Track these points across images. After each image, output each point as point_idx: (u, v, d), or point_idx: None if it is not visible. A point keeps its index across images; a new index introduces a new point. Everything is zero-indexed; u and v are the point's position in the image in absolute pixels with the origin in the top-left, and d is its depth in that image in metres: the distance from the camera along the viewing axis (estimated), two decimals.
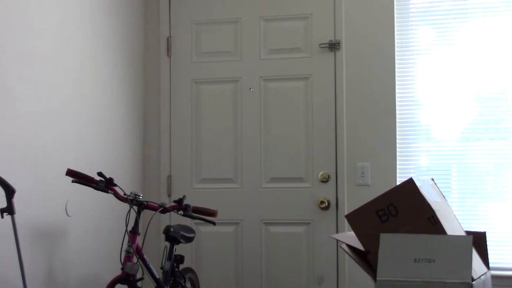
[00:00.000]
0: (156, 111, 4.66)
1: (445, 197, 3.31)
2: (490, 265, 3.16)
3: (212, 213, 3.59)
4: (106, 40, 4.16)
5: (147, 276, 3.55)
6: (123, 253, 3.26)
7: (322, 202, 4.35)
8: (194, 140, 4.60)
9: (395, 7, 4.36)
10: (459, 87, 4.28)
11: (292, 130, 4.45)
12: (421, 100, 4.33)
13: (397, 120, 4.32)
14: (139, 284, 3.29)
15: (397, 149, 4.31)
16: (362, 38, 4.39)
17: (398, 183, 4.16)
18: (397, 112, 4.32)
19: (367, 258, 2.98)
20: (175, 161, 4.61)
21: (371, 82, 4.36)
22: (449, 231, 2.87)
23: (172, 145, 4.62)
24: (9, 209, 2.92)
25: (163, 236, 3.71)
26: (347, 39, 4.40)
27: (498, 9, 4.24)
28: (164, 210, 3.46)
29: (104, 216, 4.06)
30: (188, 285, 3.87)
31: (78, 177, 3.29)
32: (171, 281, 3.62)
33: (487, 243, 3.15)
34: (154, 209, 3.44)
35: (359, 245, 3.05)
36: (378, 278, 2.75)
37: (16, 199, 2.95)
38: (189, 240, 3.78)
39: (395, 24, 4.35)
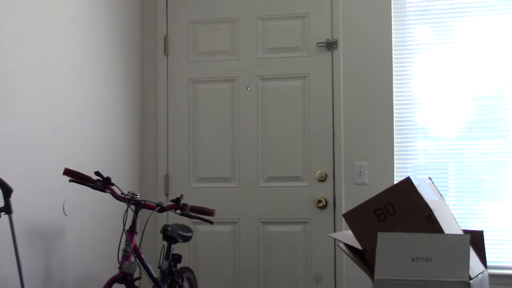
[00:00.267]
0: (154, 110, 4.66)
1: (443, 196, 3.32)
2: (488, 264, 3.17)
3: (210, 212, 3.60)
4: (103, 39, 4.16)
5: (144, 276, 3.55)
6: (121, 252, 3.26)
7: (319, 201, 4.36)
8: (191, 139, 4.60)
9: (392, 6, 4.36)
10: (456, 86, 4.28)
11: (289, 129, 4.46)
12: (419, 99, 4.34)
13: (394, 119, 4.32)
14: (136, 283, 3.29)
15: (395, 148, 4.32)
16: (360, 37, 4.39)
17: (395, 182, 4.17)
18: (394, 111, 4.33)
19: (364, 257, 2.99)
20: (173, 160, 4.62)
21: (368, 81, 4.36)
22: (447, 230, 2.87)
23: (169, 144, 4.63)
24: (7, 209, 2.92)
25: (160, 235, 3.71)
26: (345, 38, 4.41)
27: (495, 8, 4.25)
28: (162, 209, 3.46)
29: (102, 216, 4.06)
30: (186, 284, 3.87)
31: (76, 176, 3.29)
32: (169, 281, 3.62)
33: (485, 242, 3.16)
34: (151, 208, 3.44)
35: (356, 244, 3.05)
36: (375, 277, 2.76)
37: (13, 199, 2.95)
38: (186, 239, 3.78)
39: (392, 23, 4.36)
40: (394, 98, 4.33)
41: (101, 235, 4.06)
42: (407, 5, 4.39)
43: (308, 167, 4.42)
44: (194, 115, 4.60)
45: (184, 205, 3.50)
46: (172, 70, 4.65)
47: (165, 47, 4.66)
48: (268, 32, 4.53)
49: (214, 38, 4.61)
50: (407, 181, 2.95)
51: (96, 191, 3.36)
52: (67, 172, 3.29)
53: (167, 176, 4.62)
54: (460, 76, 4.28)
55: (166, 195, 4.61)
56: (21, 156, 3.27)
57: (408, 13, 4.39)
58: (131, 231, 3.30)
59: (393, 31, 4.36)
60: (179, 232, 3.71)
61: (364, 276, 3.04)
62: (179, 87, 4.63)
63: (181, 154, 4.60)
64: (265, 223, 4.48)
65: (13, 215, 2.95)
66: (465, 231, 3.15)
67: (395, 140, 4.32)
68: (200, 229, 4.53)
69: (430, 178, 3.34)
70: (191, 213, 3.52)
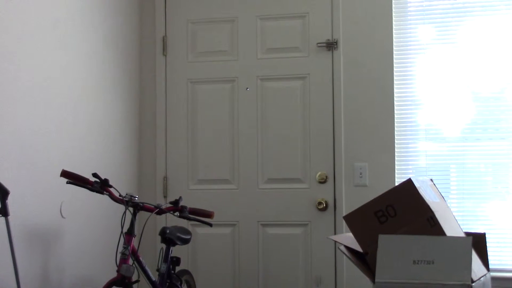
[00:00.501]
0: (152, 111, 4.66)
1: (444, 198, 3.32)
2: (490, 266, 3.17)
3: (209, 215, 3.59)
4: (101, 39, 4.15)
5: (143, 279, 3.54)
6: (119, 255, 3.26)
7: (319, 203, 4.36)
8: (190, 141, 4.60)
9: (393, 5, 4.36)
10: (458, 87, 4.28)
11: (289, 130, 4.46)
12: (420, 100, 4.34)
13: (395, 120, 4.32)
14: (134, 286, 3.29)
15: (396, 149, 4.32)
16: (360, 37, 4.39)
17: (396, 184, 4.17)
18: (395, 111, 4.33)
19: (365, 260, 2.99)
20: (171, 162, 4.61)
21: (369, 82, 4.36)
22: (448, 232, 2.87)
23: (168, 145, 4.62)
24: (3, 211, 2.92)
25: (159, 238, 3.71)
26: (345, 38, 4.41)
27: (497, 8, 4.25)
28: (160, 211, 3.46)
29: (99, 218, 4.05)
30: (185, 287, 3.87)
31: (73, 178, 3.28)
32: (167, 284, 3.62)
33: (487, 244, 3.16)
34: (150, 210, 3.44)
35: (357, 247, 3.05)
36: (376, 280, 2.75)
37: (10, 201, 2.95)
38: (185, 241, 3.78)
39: (393, 23, 4.36)
40: (395, 98, 4.33)
41: (99, 237, 4.05)
42: (408, 4, 4.39)
43: (308, 168, 4.41)
44: (193, 116, 4.60)
45: (183, 207, 3.50)
46: (171, 70, 4.65)
47: (163, 47, 4.66)
48: (267, 32, 4.53)
49: (213, 38, 4.61)
50: (408, 183, 2.95)
51: (94, 193, 3.36)
52: (65, 173, 3.28)
53: (165, 178, 4.62)
54: (462, 76, 4.28)
55: (165, 197, 4.60)
56: (18, 158, 3.27)
57: (409, 13, 4.39)
58: (129, 234, 3.30)
59: (394, 31, 4.36)
60: (178, 234, 3.70)
61: (365, 279, 3.04)
62: (177, 87, 4.63)
63: (180, 156, 4.60)
64: (264, 225, 4.48)
65: (10, 217, 2.94)
66: (467, 233, 3.15)
67: (396, 141, 4.32)
68: (199, 231, 4.53)
69: (431, 179, 3.34)
70: (190, 215, 3.51)
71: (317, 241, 4.37)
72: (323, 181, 4.38)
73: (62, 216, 3.67)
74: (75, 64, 3.85)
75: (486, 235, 3.18)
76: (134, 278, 3.27)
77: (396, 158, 4.31)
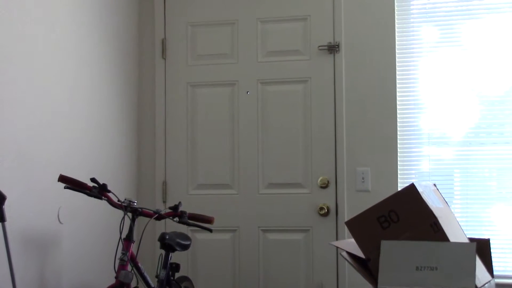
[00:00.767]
0: (151, 115, 4.66)
1: (448, 203, 3.32)
2: (494, 273, 3.17)
3: (209, 220, 3.60)
4: (99, 42, 4.16)
5: (141, 285, 3.55)
6: (117, 261, 3.26)
7: (321, 208, 4.36)
8: (190, 145, 4.60)
9: (395, 7, 4.37)
10: (462, 90, 4.29)
11: (290, 135, 4.46)
12: (423, 103, 4.34)
13: (398, 123, 4.33)
14: None
15: (398, 154, 4.32)
16: (362, 40, 4.40)
17: (399, 189, 4.17)
18: (398, 115, 4.33)
19: (368, 266, 2.99)
20: (171, 167, 4.62)
21: (371, 85, 4.36)
22: (452, 238, 2.87)
23: (167, 150, 4.63)
24: (0, 216, 2.92)
25: (158, 244, 3.71)
26: (347, 41, 4.41)
27: (502, 10, 4.26)
28: (159, 217, 3.46)
29: (98, 223, 4.05)
30: None
31: (71, 183, 3.29)
32: None
33: (491, 250, 3.16)
34: (149, 215, 3.44)
35: (359, 253, 3.05)
36: (379, 286, 2.76)
37: (7, 206, 2.95)
38: (185, 247, 3.78)
39: (396, 25, 4.37)
40: (397, 102, 4.34)
41: (97, 243, 4.05)
42: (411, 6, 4.40)
43: (309, 173, 4.42)
44: (193, 120, 4.61)
45: (182, 212, 3.50)
46: (170, 73, 4.65)
47: (163, 50, 4.67)
48: (268, 35, 4.54)
49: (213, 41, 4.61)
50: (411, 188, 2.95)
51: (92, 198, 3.36)
52: (62, 178, 3.29)
53: (165, 183, 4.62)
54: (466, 79, 4.28)
55: (164, 202, 4.60)
56: (14, 162, 3.27)
57: (412, 15, 4.39)
58: (128, 239, 3.30)
59: (396, 33, 4.36)
60: (177, 240, 3.70)
61: (367, 286, 3.04)
62: (177, 91, 4.63)
63: (179, 160, 4.60)
64: (265, 231, 4.48)
65: (7, 223, 2.94)
66: (471, 239, 3.15)
67: (399, 145, 4.32)
68: (198, 237, 4.53)
69: (434, 184, 3.34)
70: (190, 221, 3.52)
71: (319, 247, 4.37)
72: (324, 186, 4.38)
73: (60, 222, 3.67)
74: (73, 67, 3.86)
75: (491, 241, 3.18)
76: (133, 284, 3.27)
77: (398, 163, 4.31)
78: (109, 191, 3.32)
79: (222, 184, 4.55)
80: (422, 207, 2.90)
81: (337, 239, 4.31)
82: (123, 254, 3.26)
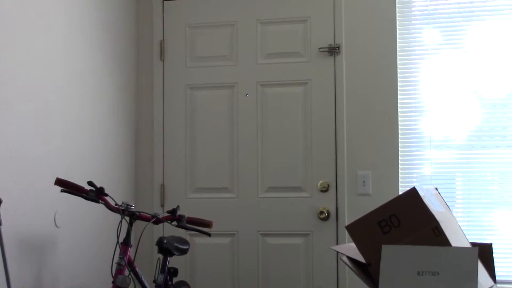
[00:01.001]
0: (149, 118, 4.66)
1: (450, 207, 3.32)
2: (497, 278, 3.17)
3: (207, 224, 3.59)
4: (96, 43, 4.16)
5: None
6: (114, 266, 3.25)
7: (321, 212, 4.36)
8: (188, 148, 4.60)
9: (397, 9, 4.37)
10: (464, 93, 4.29)
11: (290, 138, 4.46)
12: (425, 106, 4.34)
13: (399, 127, 4.33)
14: None
15: (399, 157, 4.32)
16: (363, 42, 4.40)
17: (400, 193, 4.16)
18: (399, 118, 4.33)
19: (368, 271, 2.98)
20: (169, 170, 4.61)
21: (372, 88, 4.36)
22: (454, 243, 2.87)
23: (165, 153, 4.63)
24: None
25: (156, 248, 3.71)
26: (347, 43, 4.42)
27: (504, 12, 4.26)
28: (157, 220, 3.45)
29: (95, 227, 4.05)
30: None
31: (68, 187, 3.28)
32: None
33: (494, 255, 3.16)
34: (146, 219, 3.43)
35: (360, 257, 3.05)
36: None
37: (2, 209, 2.95)
38: (183, 252, 3.78)
39: (397, 27, 4.37)
40: (399, 105, 4.34)
41: (94, 247, 4.05)
42: (413, 8, 4.40)
43: (309, 177, 4.41)
44: (191, 123, 4.61)
45: (181, 216, 3.49)
46: (169, 76, 4.65)
47: (161, 52, 4.67)
48: (268, 36, 4.54)
49: (212, 42, 4.61)
50: (413, 192, 2.94)
51: (89, 201, 3.36)
52: (59, 181, 3.28)
53: (163, 186, 4.62)
54: (468, 82, 4.28)
55: (162, 206, 4.60)
56: (10, 165, 3.27)
57: (413, 17, 4.40)
58: (125, 244, 3.30)
59: (398, 36, 4.36)
60: (175, 244, 3.70)
61: None
62: (175, 93, 4.63)
63: (177, 164, 4.60)
64: (264, 235, 4.47)
65: (2, 227, 2.94)
66: (473, 244, 3.15)
67: (400, 149, 4.32)
68: (197, 241, 4.53)
69: (436, 188, 3.33)
70: (188, 225, 3.51)
71: (319, 251, 4.37)
72: (325, 189, 4.38)
73: (56, 226, 3.67)
74: (69, 69, 3.85)
75: (493, 246, 3.18)
76: None
77: (400, 166, 4.31)
78: (106, 195, 3.32)
79: (221, 188, 4.55)
80: (424, 211, 2.89)
81: (337, 244, 4.31)
82: (120, 258, 3.25)
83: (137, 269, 3.49)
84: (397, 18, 4.37)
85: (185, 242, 3.85)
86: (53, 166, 3.63)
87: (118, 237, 3.28)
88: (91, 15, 4.09)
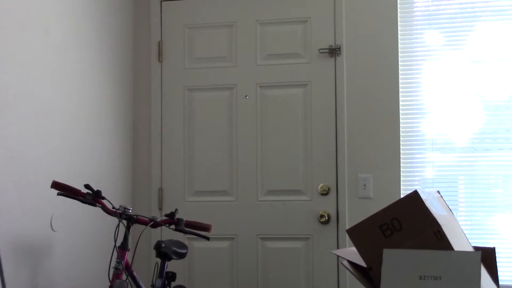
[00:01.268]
0: (147, 120, 4.66)
1: (452, 211, 3.32)
2: (500, 282, 3.16)
3: (206, 228, 3.59)
4: (93, 45, 4.16)
5: None
6: (112, 270, 3.25)
7: (322, 216, 4.35)
8: (186, 151, 4.60)
9: (398, 10, 4.37)
10: (466, 94, 4.29)
11: (290, 140, 4.46)
12: (426, 108, 4.34)
13: (400, 129, 4.33)
14: None
15: (401, 160, 4.32)
16: (364, 43, 4.40)
17: (402, 196, 4.16)
18: (400, 121, 4.33)
19: (369, 275, 2.98)
20: (167, 173, 4.61)
21: (373, 89, 4.36)
22: (456, 247, 2.87)
23: (163, 156, 4.62)
24: None
25: (153, 252, 3.70)
26: (348, 44, 4.42)
27: (507, 13, 4.26)
28: (155, 224, 3.45)
29: (92, 231, 4.05)
30: None
31: (64, 190, 3.28)
32: None
33: (497, 259, 3.16)
34: (144, 223, 3.43)
35: (361, 261, 3.05)
36: None
37: None
38: (181, 256, 3.77)
39: (399, 28, 4.37)
40: (400, 107, 4.34)
41: (91, 251, 4.04)
42: (415, 9, 4.40)
43: (309, 180, 4.41)
44: (190, 125, 4.61)
45: (179, 220, 3.49)
46: (167, 77, 4.65)
47: (159, 53, 4.67)
48: (267, 37, 4.54)
49: (211, 43, 4.62)
50: (414, 195, 2.94)
51: (86, 205, 3.36)
52: (55, 185, 3.28)
53: (161, 189, 4.61)
54: (470, 83, 4.28)
55: (160, 209, 4.60)
56: (5, 168, 3.27)
57: (415, 18, 4.40)
58: (123, 248, 3.29)
59: (399, 37, 4.37)
60: (174, 248, 3.70)
61: None
62: (173, 95, 4.63)
63: (175, 166, 4.60)
64: (264, 239, 4.47)
65: None
66: (476, 248, 3.14)
67: (401, 151, 4.32)
68: (195, 245, 4.52)
69: (438, 191, 3.33)
70: (186, 229, 3.51)
71: (319, 255, 4.36)
72: (325, 193, 4.38)
73: (53, 230, 3.67)
74: (67, 70, 3.85)
75: (496, 250, 3.18)
76: None
77: (401, 169, 4.31)
78: (104, 198, 3.31)
79: (220, 191, 4.55)
80: (426, 214, 2.89)
81: (338, 248, 4.30)
82: (117, 262, 3.25)
83: (134, 273, 3.49)
84: (399, 19, 4.37)
85: (183, 246, 3.85)
86: (50, 170, 3.62)
87: (115, 241, 3.27)
88: (89, 15, 4.09)
